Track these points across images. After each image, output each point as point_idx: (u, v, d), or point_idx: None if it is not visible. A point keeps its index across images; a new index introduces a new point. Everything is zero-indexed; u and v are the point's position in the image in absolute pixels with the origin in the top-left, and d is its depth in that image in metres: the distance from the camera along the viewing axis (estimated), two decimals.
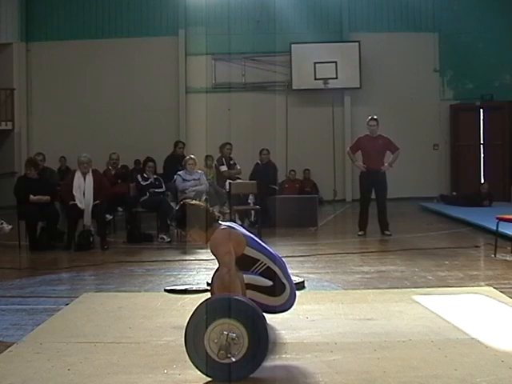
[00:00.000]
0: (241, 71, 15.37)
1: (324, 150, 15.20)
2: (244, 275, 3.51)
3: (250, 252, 3.60)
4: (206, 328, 3.07)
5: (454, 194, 13.47)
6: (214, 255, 3.59)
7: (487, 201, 12.07)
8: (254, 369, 3.09)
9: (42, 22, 15.60)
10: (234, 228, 3.70)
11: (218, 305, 3.12)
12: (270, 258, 3.64)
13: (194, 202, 3.86)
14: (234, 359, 3.05)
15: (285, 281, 3.64)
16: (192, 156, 9.43)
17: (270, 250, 3.73)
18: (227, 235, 3.57)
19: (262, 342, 3.08)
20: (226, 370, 3.05)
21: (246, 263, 3.59)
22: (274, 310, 3.64)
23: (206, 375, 3.07)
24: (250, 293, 3.46)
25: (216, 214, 3.82)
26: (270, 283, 3.56)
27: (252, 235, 3.76)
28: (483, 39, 14.94)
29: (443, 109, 15.29)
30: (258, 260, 3.61)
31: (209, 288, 4.25)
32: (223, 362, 3.05)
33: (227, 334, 3.06)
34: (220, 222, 3.77)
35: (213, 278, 3.86)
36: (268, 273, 3.60)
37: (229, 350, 3.04)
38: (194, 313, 3.12)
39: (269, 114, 14.53)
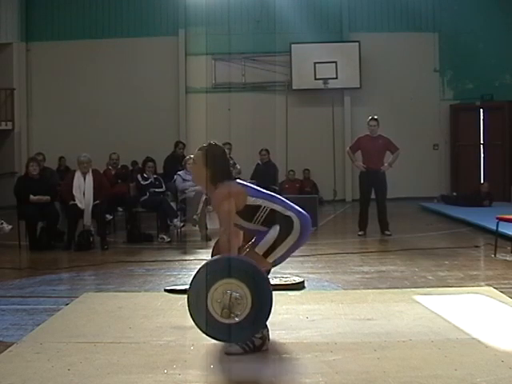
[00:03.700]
0: (241, 71, 15.36)
1: (324, 150, 15.20)
2: (258, 245, 3.43)
3: (251, 201, 3.51)
4: (210, 288, 3.05)
5: (455, 194, 13.46)
6: (216, 212, 3.54)
7: (487, 201, 12.07)
8: (257, 330, 3.07)
9: (41, 22, 15.59)
10: (234, 183, 3.61)
11: (222, 265, 3.10)
12: (269, 200, 3.55)
13: (221, 146, 3.74)
14: (237, 319, 3.03)
15: (289, 213, 3.53)
16: (192, 156, 9.42)
17: (268, 193, 3.65)
18: (227, 191, 3.49)
19: (265, 302, 3.05)
20: (229, 330, 3.04)
21: (250, 212, 3.50)
22: (299, 245, 3.54)
23: (208, 335, 3.05)
24: (271, 256, 3.39)
25: (233, 175, 3.72)
26: (277, 230, 3.45)
27: (252, 185, 3.68)
28: (483, 39, 14.93)
29: (443, 109, 15.28)
30: (260, 206, 3.51)
31: None
32: (226, 321, 3.03)
33: (230, 294, 3.06)
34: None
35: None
36: (272, 215, 3.50)
37: (232, 309, 3.02)
38: (197, 273, 3.11)
39: (269, 114, 14.53)
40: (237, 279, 3.08)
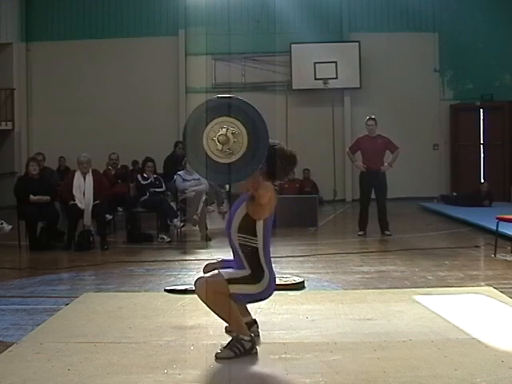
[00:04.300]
0: (241, 71, 15.36)
1: (324, 149, 15.19)
2: (222, 271, 3.42)
3: (259, 226, 3.43)
4: (206, 125, 3.03)
5: (455, 194, 13.46)
6: (254, 195, 3.38)
7: (487, 201, 12.07)
8: (253, 170, 3.02)
9: (41, 22, 15.60)
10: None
11: (218, 103, 3.09)
12: (263, 244, 3.49)
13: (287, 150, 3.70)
14: (233, 158, 2.99)
15: (265, 267, 3.47)
16: None
17: (269, 238, 3.57)
18: (272, 195, 3.43)
19: (261, 141, 3.02)
20: (226, 170, 2.99)
21: (248, 229, 3.43)
22: (255, 298, 3.51)
23: (206, 178, 3.00)
24: (231, 287, 3.36)
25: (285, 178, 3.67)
26: (248, 272, 3.43)
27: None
28: (483, 39, 14.94)
29: (443, 109, 15.29)
30: (256, 236, 3.44)
31: None
32: (223, 161, 2.99)
33: (227, 129, 3.03)
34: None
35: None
36: (253, 256, 3.44)
37: (229, 141, 3.00)
38: (193, 112, 3.10)
39: (269, 114, 14.33)
40: (234, 118, 3.03)
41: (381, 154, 8.75)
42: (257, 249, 3.47)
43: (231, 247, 3.56)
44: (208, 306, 3.43)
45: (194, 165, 3.09)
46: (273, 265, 3.57)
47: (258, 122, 3.06)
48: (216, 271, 3.46)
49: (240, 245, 3.47)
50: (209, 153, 3.02)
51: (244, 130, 3.02)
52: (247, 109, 3.08)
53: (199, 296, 3.42)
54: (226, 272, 3.44)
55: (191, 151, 3.07)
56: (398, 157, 8.76)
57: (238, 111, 3.05)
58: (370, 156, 8.71)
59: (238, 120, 3.03)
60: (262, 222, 3.46)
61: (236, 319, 3.43)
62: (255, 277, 3.44)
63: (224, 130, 3.02)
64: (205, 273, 3.57)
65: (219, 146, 3.00)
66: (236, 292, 3.40)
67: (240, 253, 3.49)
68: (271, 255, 3.57)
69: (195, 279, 3.50)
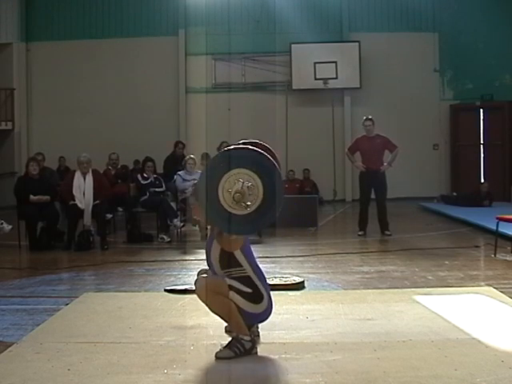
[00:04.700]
0: (241, 71, 15.37)
1: (324, 150, 15.19)
2: (226, 278, 3.41)
3: (239, 256, 3.42)
4: (221, 177, 3.03)
5: (455, 194, 13.46)
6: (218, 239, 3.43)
7: (487, 201, 12.07)
8: (267, 223, 3.04)
9: (41, 22, 15.60)
10: None
11: (233, 154, 3.07)
12: (254, 272, 3.47)
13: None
14: (248, 210, 3.01)
15: (264, 293, 3.47)
16: (192, 156, 9.43)
17: (258, 266, 3.56)
18: None
19: (277, 191, 3.03)
20: (241, 221, 3.01)
21: (229, 262, 3.42)
22: (253, 318, 3.48)
23: (218, 225, 3.03)
24: (232, 294, 3.36)
25: None
26: (249, 290, 3.41)
27: (249, 245, 3.59)
28: (483, 39, 14.94)
29: (443, 109, 15.28)
30: (241, 266, 3.43)
31: None
32: (236, 212, 3.01)
33: (243, 182, 3.04)
34: None
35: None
36: (246, 280, 3.43)
37: (244, 196, 3.01)
38: (208, 164, 3.09)
39: (269, 114, 14.52)
40: (249, 169, 3.02)
41: (380, 153, 8.75)
42: (248, 276, 3.45)
43: None
44: (208, 306, 3.43)
45: (210, 214, 3.10)
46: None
47: (273, 172, 3.07)
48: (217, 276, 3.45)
49: (233, 278, 3.43)
50: (224, 204, 3.04)
51: (259, 182, 3.04)
52: (262, 160, 3.07)
53: (199, 296, 3.42)
54: (229, 279, 3.42)
55: (207, 201, 3.07)
56: (397, 156, 8.76)
57: (253, 162, 3.04)
58: (369, 156, 8.72)
59: (253, 172, 3.04)
60: (239, 252, 3.43)
61: (236, 319, 3.43)
62: (254, 297, 3.42)
63: (239, 184, 3.03)
64: None
65: (237, 197, 3.02)
66: (236, 303, 3.37)
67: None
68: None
69: (195, 279, 3.50)
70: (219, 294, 3.35)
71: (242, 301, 3.39)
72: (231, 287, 3.38)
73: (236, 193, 3.00)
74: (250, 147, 3.24)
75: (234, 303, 3.37)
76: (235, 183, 3.03)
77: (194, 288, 3.50)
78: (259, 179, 3.03)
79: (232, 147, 3.25)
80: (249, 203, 3.03)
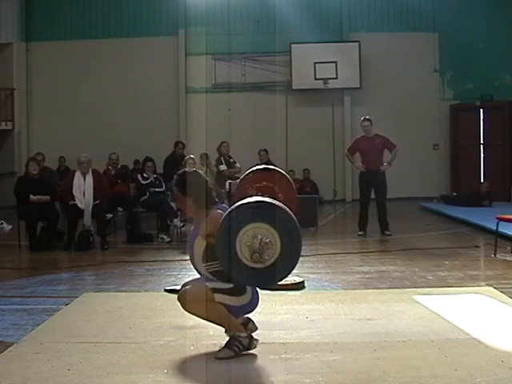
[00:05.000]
0: (241, 71, 15.37)
1: (324, 150, 15.19)
2: (206, 282, 3.39)
3: None
4: (239, 230, 3.04)
5: (455, 194, 13.45)
6: (206, 233, 3.41)
7: (487, 201, 12.07)
8: (283, 277, 3.06)
9: (41, 22, 15.60)
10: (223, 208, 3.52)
11: (251, 208, 3.09)
12: None
13: (197, 171, 3.72)
14: (265, 264, 3.02)
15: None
16: (192, 156, 9.43)
17: None
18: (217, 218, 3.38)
19: (294, 246, 3.05)
20: (258, 273, 3.03)
21: (210, 255, 3.38)
22: (240, 311, 3.46)
23: (233, 278, 3.05)
24: (216, 296, 3.34)
25: (213, 197, 3.64)
26: (230, 285, 3.37)
27: None
28: (483, 39, 14.93)
29: (443, 109, 15.28)
30: None
31: None
32: (252, 265, 3.02)
33: (261, 238, 3.04)
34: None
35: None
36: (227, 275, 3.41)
37: (261, 253, 3.02)
38: (226, 215, 3.11)
39: (269, 114, 14.53)
40: (268, 224, 3.03)
41: (379, 153, 8.75)
42: None
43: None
44: (197, 316, 3.42)
45: (225, 265, 3.11)
46: None
47: (291, 227, 3.07)
48: (198, 283, 3.44)
49: (212, 272, 3.42)
50: (241, 257, 3.06)
51: (277, 237, 3.06)
52: (280, 214, 3.08)
53: (186, 310, 3.40)
54: (210, 283, 3.40)
55: (224, 253, 3.09)
56: (397, 155, 8.76)
57: (271, 217, 3.05)
58: (368, 156, 8.72)
59: (271, 226, 3.05)
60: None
61: (227, 319, 3.41)
62: (238, 290, 3.39)
63: (257, 240, 3.04)
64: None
65: (255, 258, 3.04)
66: (222, 302, 3.36)
67: (216, 279, 3.43)
68: None
69: (178, 295, 3.46)
70: (204, 301, 3.33)
71: (227, 297, 3.37)
72: (214, 290, 3.36)
73: (254, 253, 3.02)
74: (270, 200, 3.23)
75: (221, 303, 3.36)
76: (253, 238, 3.05)
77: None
78: (277, 234, 3.05)
79: (252, 199, 3.23)
80: (266, 258, 3.05)
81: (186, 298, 3.38)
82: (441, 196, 13.48)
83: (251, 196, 3.71)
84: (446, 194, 13.75)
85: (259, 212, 3.07)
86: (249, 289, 3.44)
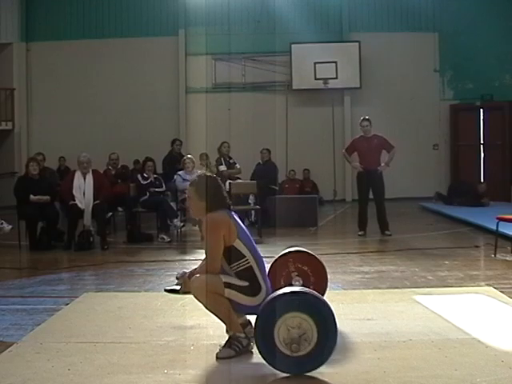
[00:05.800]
0: (241, 71, 15.36)
1: (324, 149, 15.17)
2: (221, 275, 3.43)
3: (239, 246, 3.46)
4: (276, 321, 3.09)
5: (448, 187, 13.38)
6: (205, 237, 3.48)
7: (486, 199, 12.06)
8: (320, 364, 3.10)
9: (41, 22, 15.58)
10: (230, 216, 3.55)
11: (289, 298, 3.14)
12: (254, 258, 3.49)
13: (216, 177, 3.73)
14: (302, 353, 3.08)
15: (262, 283, 3.48)
16: (189, 156, 9.43)
17: (257, 249, 3.59)
18: (222, 221, 3.46)
19: (330, 338, 3.09)
20: (295, 363, 3.08)
21: (233, 256, 3.45)
22: (250, 311, 3.46)
23: (274, 367, 3.10)
24: (228, 292, 3.38)
25: (228, 202, 3.64)
26: (246, 283, 3.43)
27: (244, 228, 3.61)
28: (483, 39, 14.91)
29: (443, 109, 15.27)
30: (244, 256, 3.46)
31: None
32: (287, 353, 3.07)
33: (298, 328, 3.09)
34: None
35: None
36: (247, 272, 3.45)
37: (300, 343, 3.07)
38: (264, 305, 3.17)
39: (269, 114, 14.52)
40: (306, 314, 3.11)
41: (377, 153, 8.75)
42: (250, 266, 3.47)
43: None
44: (205, 305, 3.43)
45: (263, 350, 3.16)
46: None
47: (328, 319, 3.12)
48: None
49: (237, 272, 3.46)
50: (279, 345, 3.12)
51: (315, 328, 3.11)
52: (319, 305, 3.14)
53: (196, 296, 3.43)
54: (225, 276, 3.44)
55: (262, 338, 3.14)
56: (395, 156, 8.75)
57: (310, 307, 3.12)
58: (366, 156, 8.72)
59: (310, 317, 3.11)
60: (238, 240, 3.46)
61: (230, 318, 3.43)
62: (252, 290, 3.43)
63: (295, 329, 3.10)
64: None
65: (294, 348, 3.09)
66: (233, 299, 3.39)
67: (233, 274, 3.48)
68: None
69: (183, 281, 3.50)
70: (215, 293, 3.36)
71: (239, 295, 3.40)
72: (226, 284, 3.39)
73: (293, 344, 3.08)
74: (307, 290, 3.28)
75: (229, 299, 3.38)
76: (289, 330, 3.11)
77: (182, 288, 3.54)
78: (314, 325, 3.10)
79: (289, 290, 3.27)
80: (303, 347, 3.11)
81: (199, 285, 3.39)
82: (437, 194, 13.42)
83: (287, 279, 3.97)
84: (441, 192, 13.70)
85: (297, 302, 3.14)
86: (262, 293, 3.45)
